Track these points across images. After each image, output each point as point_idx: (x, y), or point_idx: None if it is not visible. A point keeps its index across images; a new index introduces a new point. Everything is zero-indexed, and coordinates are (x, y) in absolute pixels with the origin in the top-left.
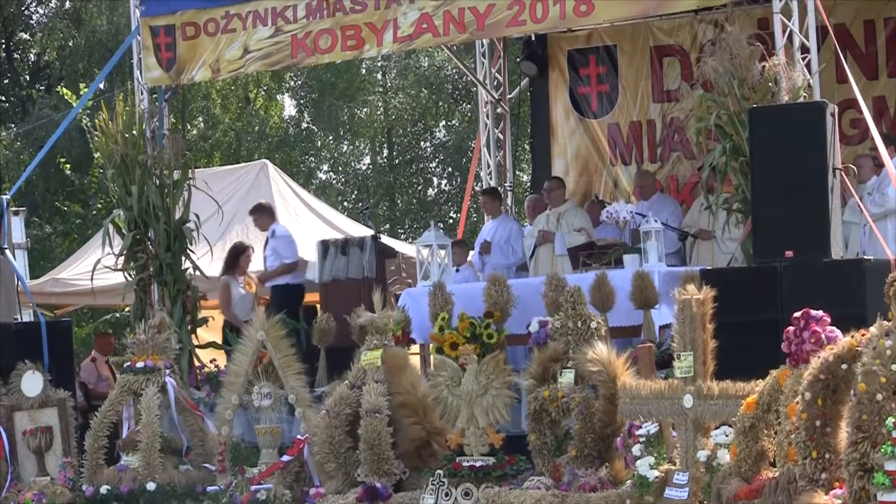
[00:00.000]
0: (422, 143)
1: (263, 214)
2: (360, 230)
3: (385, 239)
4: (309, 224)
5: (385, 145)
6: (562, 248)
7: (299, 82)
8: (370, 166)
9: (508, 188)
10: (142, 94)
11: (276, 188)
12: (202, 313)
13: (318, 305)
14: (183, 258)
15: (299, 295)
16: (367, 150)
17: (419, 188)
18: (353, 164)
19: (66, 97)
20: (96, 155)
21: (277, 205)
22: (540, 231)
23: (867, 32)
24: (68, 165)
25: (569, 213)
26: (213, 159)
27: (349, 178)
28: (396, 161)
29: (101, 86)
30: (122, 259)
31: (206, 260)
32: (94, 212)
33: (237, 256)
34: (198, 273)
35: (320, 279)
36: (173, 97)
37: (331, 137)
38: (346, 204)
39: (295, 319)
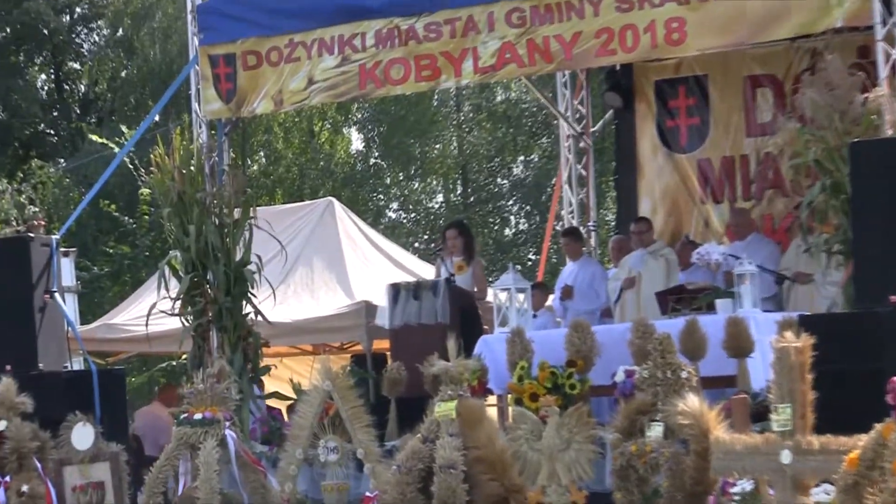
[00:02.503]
0: (498, 179)
1: None
2: (432, 273)
3: (460, 282)
4: (378, 266)
5: (459, 182)
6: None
7: (366, 115)
8: (443, 205)
9: (592, 228)
10: (200, 127)
11: (342, 228)
12: (264, 361)
13: (387, 353)
14: (244, 302)
15: None
16: (439, 188)
17: (495, 228)
18: (424, 202)
19: (119, 131)
20: (144, 192)
21: (344, 246)
22: (625, 276)
23: None
24: (113, 207)
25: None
26: (275, 197)
27: (420, 218)
28: (471, 199)
29: (156, 119)
30: (178, 303)
31: (269, 304)
32: (147, 252)
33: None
34: (259, 318)
35: (391, 325)
36: (233, 131)
37: (401, 174)
38: (417, 245)
39: (363, 368)
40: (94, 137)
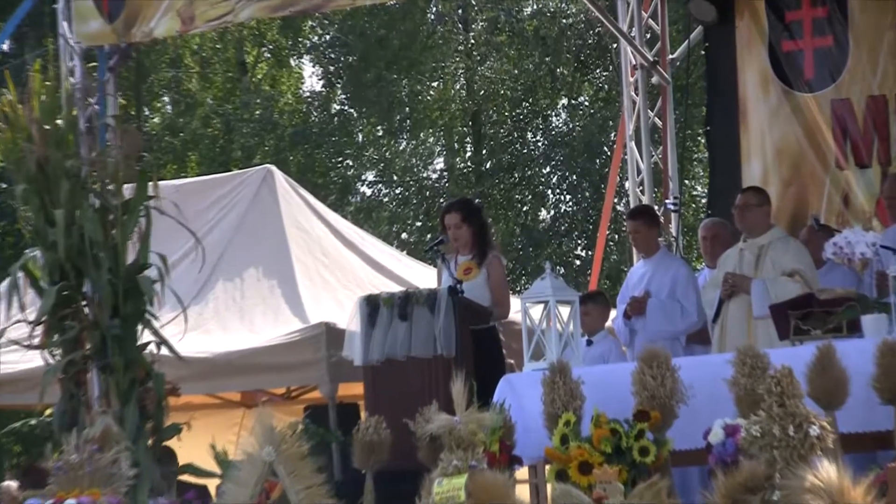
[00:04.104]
0: (528, 135)
1: None
2: (428, 279)
3: (469, 291)
4: (345, 270)
5: (468, 139)
6: (763, 306)
7: (326, 39)
8: (445, 174)
9: (672, 207)
10: (72, 59)
11: (288, 211)
12: (172, 418)
13: (360, 403)
14: (139, 328)
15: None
16: (439, 148)
17: (524, 209)
18: (416, 169)
19: None
20: None
21: (292, 239)
22: (727, 276)
23: None
24: None
25: (775, 247)
26: (187, 165)
27: (410, 194)
28: (487, 165)
29: (4, 47)
30: (39, 330)
31: (177, 329)
32: None
33: None
34: (164, 352)
35: (365, 359)
36: (123, 65)
37: (380, 128)
38: (404, 236)
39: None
40: None
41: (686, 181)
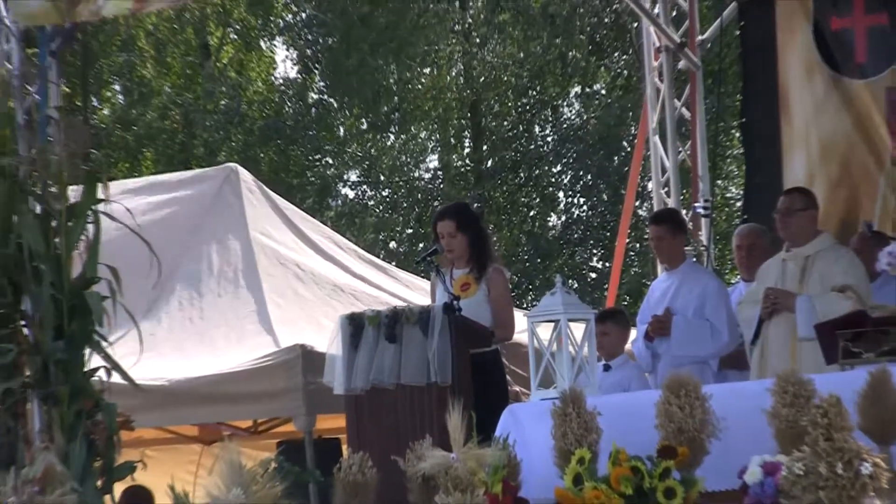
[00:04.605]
0: (536, 128)
1: None
2: (420, 294)
3: (468, 309)
4: (321, 283)
5: (467, 133)
6: (808, 325)
7: (302, 18)
8: (439, 174)
9: (702, 211)
10: (8, 41)
11: (255, 216)
12: (125, 455)
13: (341, 438)
14: (87, 351)
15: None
16: (433, 144)
17: (532, 214)
18: (406, 168)
19: None
20: None
21: (258, 249)
22: (767, 292)
23: None
24: None
25: (823, 258)
26: (141, 163)
27: (400, 197)
28: (488, 163)
29: None
30: None
31: (130, 352)
32: None
33: None
34: (116, 379)
35: (348, 387)
36: (68, 48)
37: (364, 120)
38: (392, 245)
39: (299, 464)
40: None
41: (718, 181)
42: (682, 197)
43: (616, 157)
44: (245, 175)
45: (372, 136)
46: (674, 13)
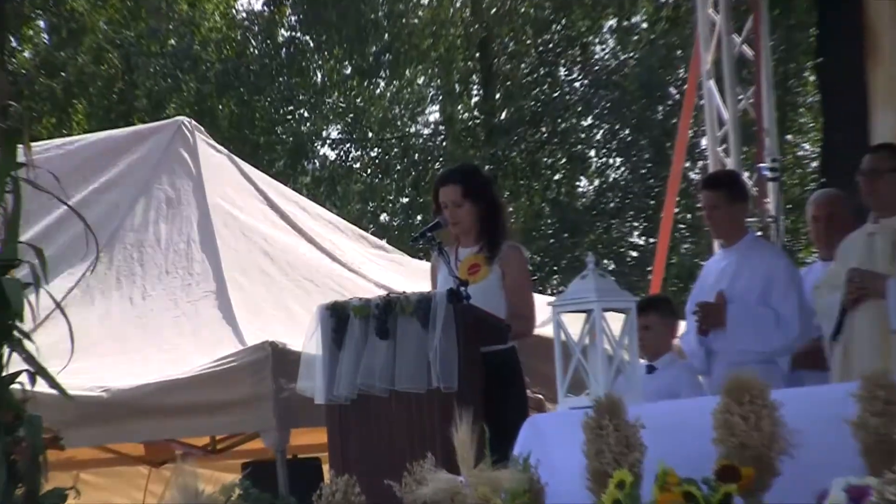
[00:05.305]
0: (560, 71)
1: None
2: (419, 279)
3: (476, 297)
4: (294, 264)
5: (475, 77)
6: None
7: None
8: (441, 128)
9: (768, 174)
10: None
11: (211, 180)
12: (54, 480)
13: (321, 458)
14: (6, 350)
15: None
16: (433, 92)
17: (556, 178)
18: (399, 123)
19: None
20: None
21: (218, 222)
22: (851, 274)
23: None
24: None
25: None
26: (71, 117)
27: (392, 158)
28: (501, 116)
29: None
30: None
31: (59, 354)
32: None
33: None
34: (43, 386)
35: (329, 395)
36: None
37: (347, 64)
38: (384, 217)
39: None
40: None
41: (788, 136)
42: (743, 156)
43: (661, 107)
44: (200, 131)
45: (357, 83)
46: None
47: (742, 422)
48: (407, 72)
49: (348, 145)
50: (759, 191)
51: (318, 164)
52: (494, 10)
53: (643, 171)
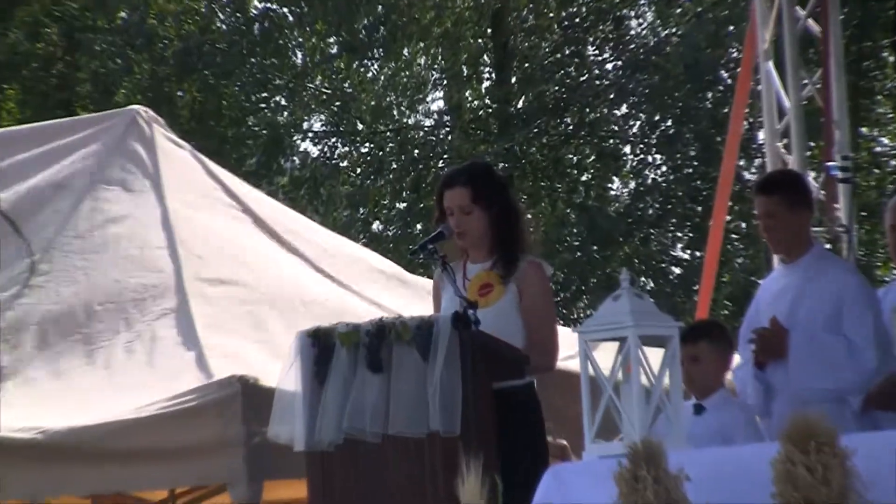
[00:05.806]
0: (587, 52)
1: None
2: (419, 303)
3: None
4: (269, 282)
5: (487, 61)
6: None
7: None
8: (446, 119)
9: (838, 174)
10: None
11: (170, 179)
12: None
13: None
14: None
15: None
16: (436, 76)
17: (584, 180)
18: (396, 113)
19: None
20: None
21: (177, 226)
22: None
23: None
24: None
25: None
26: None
27: (387, 155)
28: (518, 103)
29: None
30: None
31: None
32: None
33: None
34: None
35: (311, 441)
36: None
37: (333, 41)
38: (376, 226)
39: None
40: None
41: (863, 128)
42: (808, 153)
43: (710, 94)
44: (158, 123)
45: (345, 65)
46: None
47: (807, 473)
48: (405, 51)
49: (334, 139)
50: (826, 195)
51: (297, 161)
52: None
53: (688, 170)
